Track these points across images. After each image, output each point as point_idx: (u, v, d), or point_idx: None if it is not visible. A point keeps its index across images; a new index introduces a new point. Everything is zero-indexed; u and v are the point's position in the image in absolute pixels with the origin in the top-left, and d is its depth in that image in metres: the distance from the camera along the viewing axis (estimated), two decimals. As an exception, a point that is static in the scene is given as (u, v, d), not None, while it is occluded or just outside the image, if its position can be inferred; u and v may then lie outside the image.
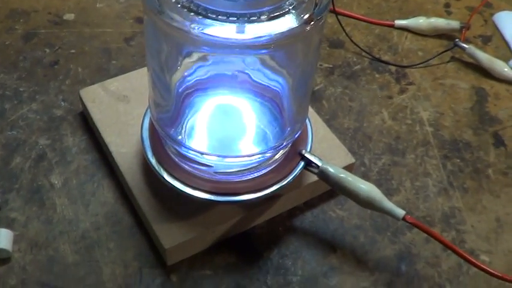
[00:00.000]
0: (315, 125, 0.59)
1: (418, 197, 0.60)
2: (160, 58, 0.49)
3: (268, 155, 0.52)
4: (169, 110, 0.52)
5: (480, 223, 0.59)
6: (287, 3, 0.44)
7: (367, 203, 0.52)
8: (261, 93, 0.53)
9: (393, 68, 0.72)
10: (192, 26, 0.42)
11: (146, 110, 0.57)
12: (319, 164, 0.53)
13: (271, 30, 0.42)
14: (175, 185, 0.53)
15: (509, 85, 0.71)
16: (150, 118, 0.56)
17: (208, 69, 0.51)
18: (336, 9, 0.72)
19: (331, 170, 0.53)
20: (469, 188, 0.61)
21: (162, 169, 0.54)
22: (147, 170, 0.55)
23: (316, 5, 0.45)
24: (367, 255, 0.56)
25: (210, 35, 0.42)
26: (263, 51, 0.44)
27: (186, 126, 0.53)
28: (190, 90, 0.52)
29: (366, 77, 0.70)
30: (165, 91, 0.51)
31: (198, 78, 0.51)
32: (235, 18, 0.42)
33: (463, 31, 0.73)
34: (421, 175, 0.62)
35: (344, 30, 0.72)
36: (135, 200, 0.55)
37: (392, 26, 0.76)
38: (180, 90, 0.52)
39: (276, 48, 0.44)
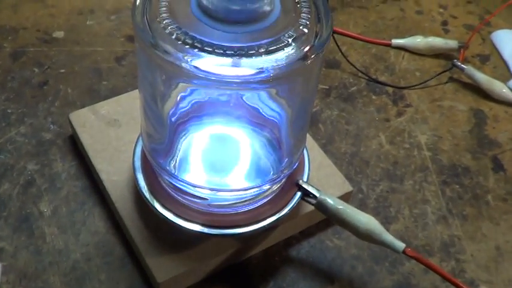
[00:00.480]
0: (311, 151, 0.58)
1: (416, 225, 0.59)
2: (153, 88, 0.47)
3: (264, 188, 0.51)
4: (163, 141, 0.50)
5: (480, 252, 0.57)
6: (286, 35, 0.42)
7: (366, 236, 0.51)
8: (258, 123, 0.51)
9: (390, 89, 0.70)
10: (186, 58, 0.40)
11: (138, 138, 0.56)
12: (317, 194, 0.52)
13: (269, 65, 0.40)
14: (168, 217, 0.51)
15: (507, 106, 0.70)
16: (142, 147, 0.54)
17: (203, 99, 0.49)
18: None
19: (329, 201, 0.51)
20: (469, 215, 0.60)
21: (154, 200, 0.52)
22: (139, 199, 0.54)
23: (316, 35, 0.43)
24: (365, 286, 0.54)
25: (205, 71, 0.40)
26: (261, 86, 0.42)
27: (179, 158, 0.51)
28: (184, 120, 0.51)
29: (363, 99, 0.69)
30: (157, 122, 0.49)
31: (192, 108, 0.50)
32: (232, 52, 0.40)
33: (461, 51, 0.72)
34: (419, 202, 0.60)
35: (340, 50, 0.71)
36: (127, 231, 0.53)
37: (389, 45, 0.74)
38: (173, 119, 0.50)
39: (274, 83, 0.42)
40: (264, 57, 0.41)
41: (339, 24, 0.77)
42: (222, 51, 0.40)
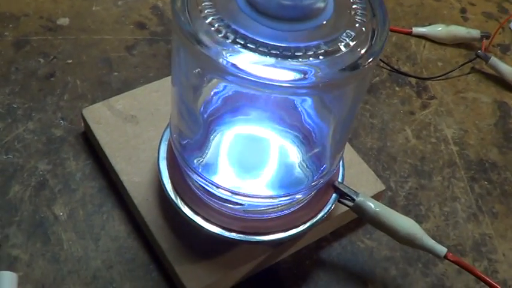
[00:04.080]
0: (340, 147, 0.55)
1: (447, 223, 0.57)
2: (187, 80, 0.43)
3: (300, 196, 0.47)
4: (194, 138, 0.47)
5: (511, 251, 0.56)
6: (344, 34, 0.38)
7: (406, 240, 0.48)
8: (299, 127, 0.47)
9: (413, 80, 0.67)
10: (224, 53, 0.36)
11: (162, 136, 0.52)
12: (355, 197, 0.49)
13: (318, 70, 0.36)
14: (198, 222, 0.48)
15: (531, 99, 0.68)
16: (168, 145, 0.51)
17: (242, 97, 0.46)
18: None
19: (368, 203, 0.49)
20: (498, 213, 0.58)
21: (183, 203, 0.49)
22: (164, 202, 0.50)
23: (373, 34, 0.40)
24: (400, 290, 0.52)
25: (243, 70, 0.36)
26: (305, 92, 0.39)
27: (211, 157, 0.48)
28: (218, 116, 0.47)
29: (386, 91, 0.66)
30: (190, 117, 0.46)
31: (228, 105, 0.46)
32: (277, 52, 0.36)
33: (484, 41, 0.70)
34: (449, 199, 0.58)
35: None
36: (153, 237, 0.50)
37: (410, 34, 0.72)
38: (205, 116, 0.47)
39: (322, 91, 0.39)
40: (314, 60, 0.37)
41: (356, 11, 0.74)
42: (266, 50, 0.36)
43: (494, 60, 0.68)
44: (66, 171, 0.56)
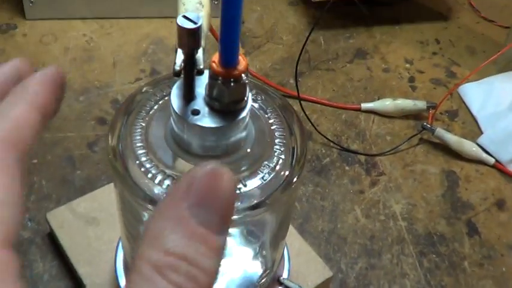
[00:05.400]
0: (289, 237, 0.58)
1: (397, 301, 0.60)
2: (130, 212, 0.47)
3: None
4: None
5: (460, 324, 0.59)
6: (264, 164, 0.42)
7: (349, 331, 0.52)
8: (241, 235, 0.51)
9: (363, 158, 0.71)
10: (156, 194, 0.39)
11: (118, 242, 0.56)
12: (299, 293, 0.53)
13: (248, 201, 0.40)
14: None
15: (478, 165, 0.71)
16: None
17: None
18: (301, 95, 0.71)
19: (311, 299, 0.52)
20: (447, 286, 0.61)
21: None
22: (123, 304, 0.54)
23: (293, 150, 0.43)
24: None
25: None
26: (241, 220, 0.42)
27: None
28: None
29: (336, 171, 0.69)
30: (135, 239, 0.49)
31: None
32: None
33: (430, 111, 0.73)
34: (398, 276, 0.62)
35: (310, 121, 0.71)
36: (113, 338, 0.53)
37: (359, 110, 0.75)
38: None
39: (255, 214, 0.43)
40: (242, 191, 0.41)
41: (308, 90, 0.77)
42: None
43: (439, 131, 0.71)
44: (34, 272, 0.59)
